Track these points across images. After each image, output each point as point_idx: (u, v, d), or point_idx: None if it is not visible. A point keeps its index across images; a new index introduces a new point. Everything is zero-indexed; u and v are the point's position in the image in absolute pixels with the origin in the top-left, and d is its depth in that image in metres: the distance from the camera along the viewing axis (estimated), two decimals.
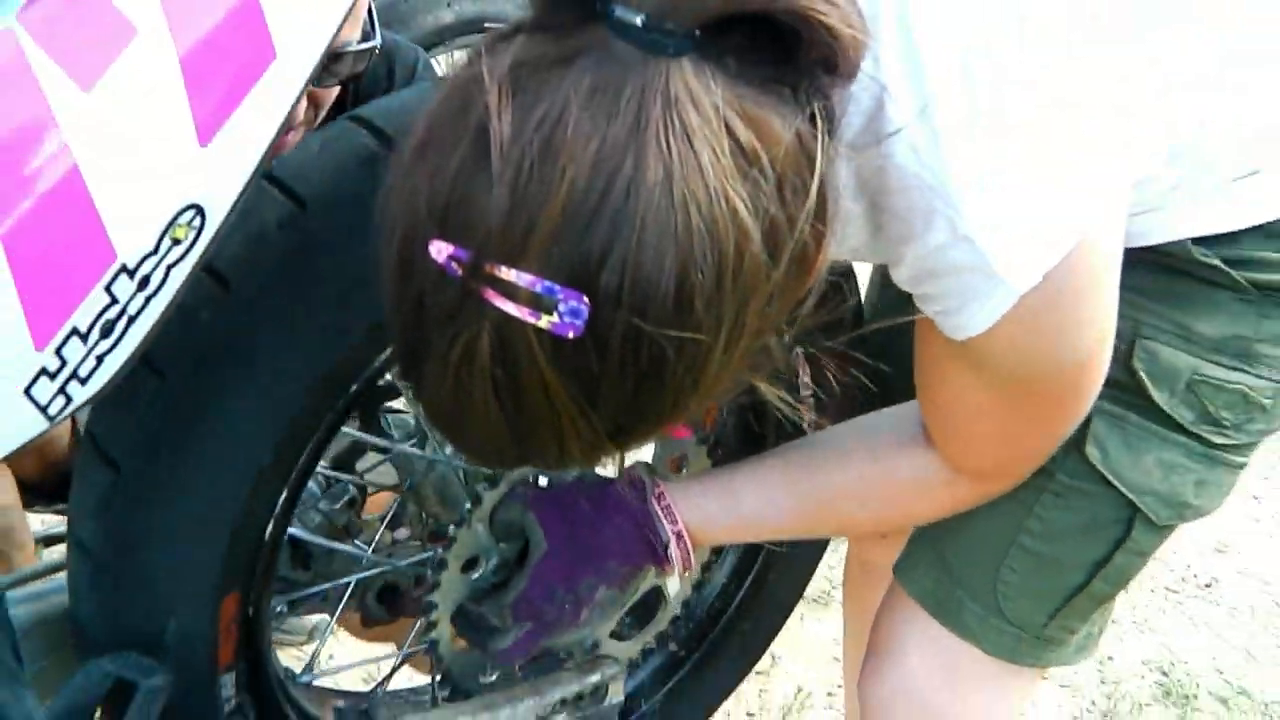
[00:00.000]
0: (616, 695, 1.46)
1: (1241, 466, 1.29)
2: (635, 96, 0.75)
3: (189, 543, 1.13)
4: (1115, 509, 1.26)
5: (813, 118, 0.81)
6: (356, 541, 1.47)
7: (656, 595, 1.54)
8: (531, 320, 0.76)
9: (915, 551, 1.39)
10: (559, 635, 1.38)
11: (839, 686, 2.40)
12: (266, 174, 1.06)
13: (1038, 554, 1.29)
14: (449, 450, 1.40)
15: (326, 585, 1.42)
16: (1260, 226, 1.18)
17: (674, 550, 1.29)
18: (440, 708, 1.41)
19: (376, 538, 1.50)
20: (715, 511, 1.31)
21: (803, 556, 1.82)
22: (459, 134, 0.77)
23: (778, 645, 2.39)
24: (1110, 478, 1.24)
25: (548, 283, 0.75)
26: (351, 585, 1.44)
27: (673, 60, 0.76)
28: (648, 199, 0.75)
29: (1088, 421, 1.21)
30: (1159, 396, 1.21)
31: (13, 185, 0.81)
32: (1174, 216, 1.16)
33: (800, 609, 2.44)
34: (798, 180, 0.80)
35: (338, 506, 1.45)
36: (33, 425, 0.88)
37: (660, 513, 1.29)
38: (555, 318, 0.76)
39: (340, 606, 1.45)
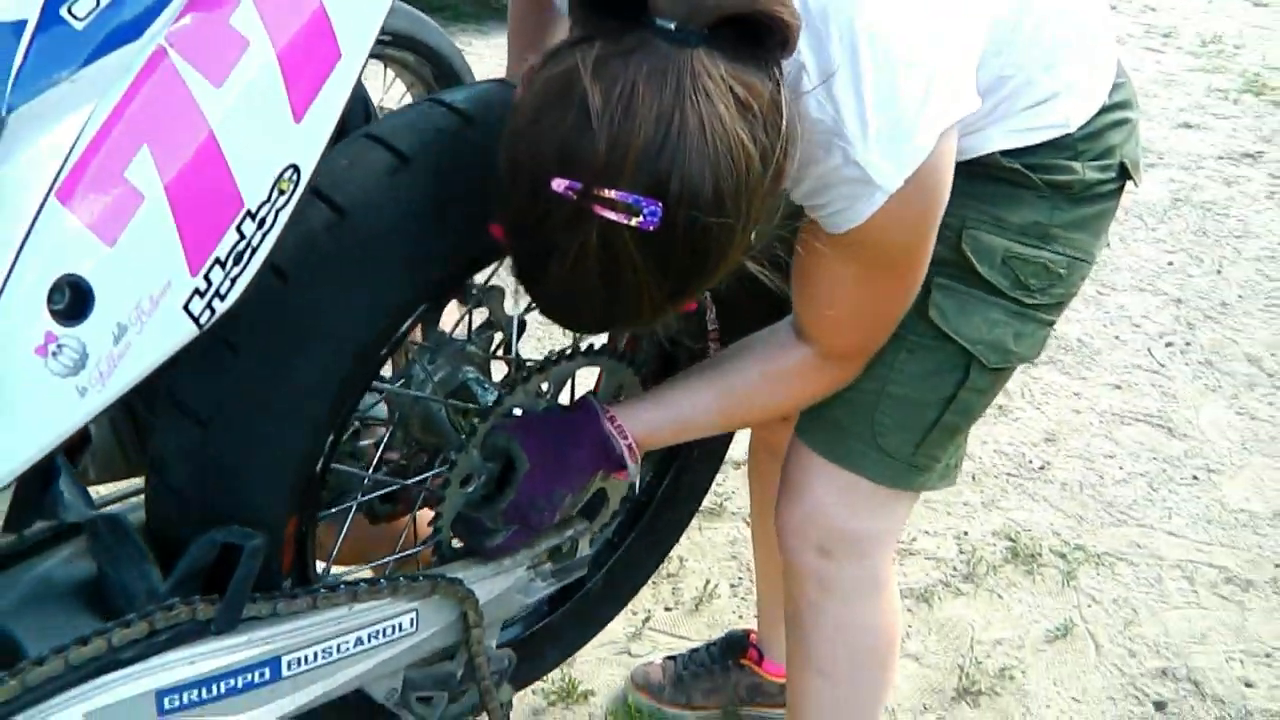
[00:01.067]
0: (584, 550, 1.80)
1: (1050, 323, 1.70)
2: (674, 74, 1.15)
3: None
4: (955, 357, 1.66)
5: (777, 81, 1.22)
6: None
7: (600, 496, 1.84)
8: (625, 221, 1.16)
9: (808, 416, 1.75)
10: (539, 536, 1.73)
11: (739, 579, 2.76)
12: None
13: (902, 398, 1.67)
14: (429, 389, 1.74)
15: (350, 503, 1.74)
16: (1051, 141, 1.59)
17: (628, 459, 1.64)
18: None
19: (375, 460, 1.79)
20: (656, 421, 1.67)
21: (707, 461, 2.16)
22: (566, 105, 1.17)
23: (683, 550, 2.76)
24: (950, 333, 1.63)
25: (635, 196, 1.15)
26: (363, 499, 1.76)
27: (694, 49, 1.17)
28: (690, 137, 1.15)
29: (929, 292, 1.60)
30: (982, 270, 1.61)
31: (172, 155, 1.15)
32: (989, 137, 1.57)
33: (698, 520, 2.80)
34: (773, 118, 1.21)
35: (346, 438, 1.76)
36: (189, 333, 1.21)
37: (613, 431, 1.64)
38: (641, 218, 1.15)
39: (350, 517, 1.76)
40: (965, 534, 2.98)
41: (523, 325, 1.78)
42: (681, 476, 2.12)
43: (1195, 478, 3.26)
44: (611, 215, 1.16)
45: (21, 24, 1.08)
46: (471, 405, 1.73)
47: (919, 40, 1.34)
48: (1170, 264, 4.45)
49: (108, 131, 1.12)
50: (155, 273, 1.16)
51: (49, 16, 1.09)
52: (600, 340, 1.80)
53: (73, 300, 1.12)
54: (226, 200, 1.18)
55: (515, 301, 1.73)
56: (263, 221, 1.21)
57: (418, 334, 1.72)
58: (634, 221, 1.15)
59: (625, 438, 1.64)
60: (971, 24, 1.43)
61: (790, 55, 1.24)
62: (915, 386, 1.67)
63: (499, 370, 1.82)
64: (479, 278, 1.64)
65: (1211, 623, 2.75)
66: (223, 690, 1.44)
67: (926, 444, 1.71)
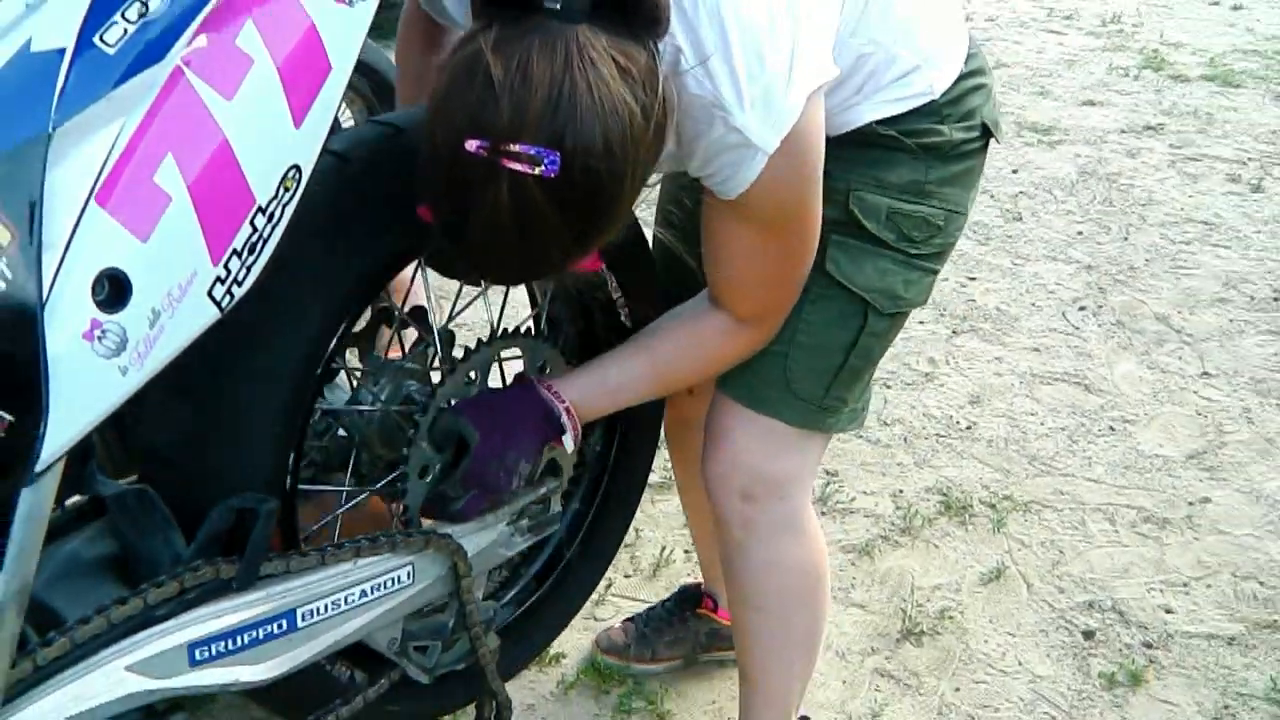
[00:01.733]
0: (556, 506, 1.97)
1: (934, 271, 1.90)
2: (563, 46, 1.34)
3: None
4: (853, 305, 1.85)
5: (652, 52, 1.42)
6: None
7: (552, 465, 1.98)
8: (530, 171, 1.34)
9: (728, 371, 1.93)
10: (499, 500, 1.88)
11: (692, 545, 2.94)
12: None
13: (810, 346, 1.86)
14: (372, 400, 1.90)
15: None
16: (919, 108, 1.79)
17: (566, 422, 1.81)
18: None
19: (349, 471, 1.93)
20: (590, 389, 1.84)
21: (647, 433, 2.33)
22: (472, 79, 1.35)
23: (638, 523, 2.92)
24: (845, 283, 1.83)
25: (536, 148, 1.33)
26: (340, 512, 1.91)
27: (578, 26, 1.36)
28: (580, 96, 1.34)
29: (825, 249, 1.78)
30: (869, 225, 1.81)
31: (193, 160, 1.32)
32: (862, 112, 1.77)
33: (650, 495, 2.99)
34: (651, 81, 1.41)
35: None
36: (212, 316, 1.38)
37: (551, 398, 1.81)
38: (543, 167, 1.33)
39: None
40: (900, 492, 3.18)
41: (451, 336, 1.96)
42: (626, 448, 2.29)
43: (1112, 428, 3.49)
44: (517, 166, 1.33)
45: (61, 52, 1.24)
46: (412, 406, 1.89)
47: (779, 16, 1.52)
48: (1080, 233, 4.68)
49: (137, 142, 1.28)
50: (183, 264, 1.33)
51: (84, 45, 1.25)
52: (522, 324, 1.99)
53: (113, 290, 1.28)
54: (241, 198, 1.35)
55: (438, 317, 1.91)
56: (272, 215, 1.38)
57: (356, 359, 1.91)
58: (537, 170, 1.33)
59: (563, 401, 1.82)
60: (823, 4, 1.61)
61: (664, 32, 1.44)
62: (820, 334, 1.86)
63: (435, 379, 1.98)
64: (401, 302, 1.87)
65: (1132, 558, 2.96)
66: (245, 641, 1.61)
67: (835, 386, 1.89)
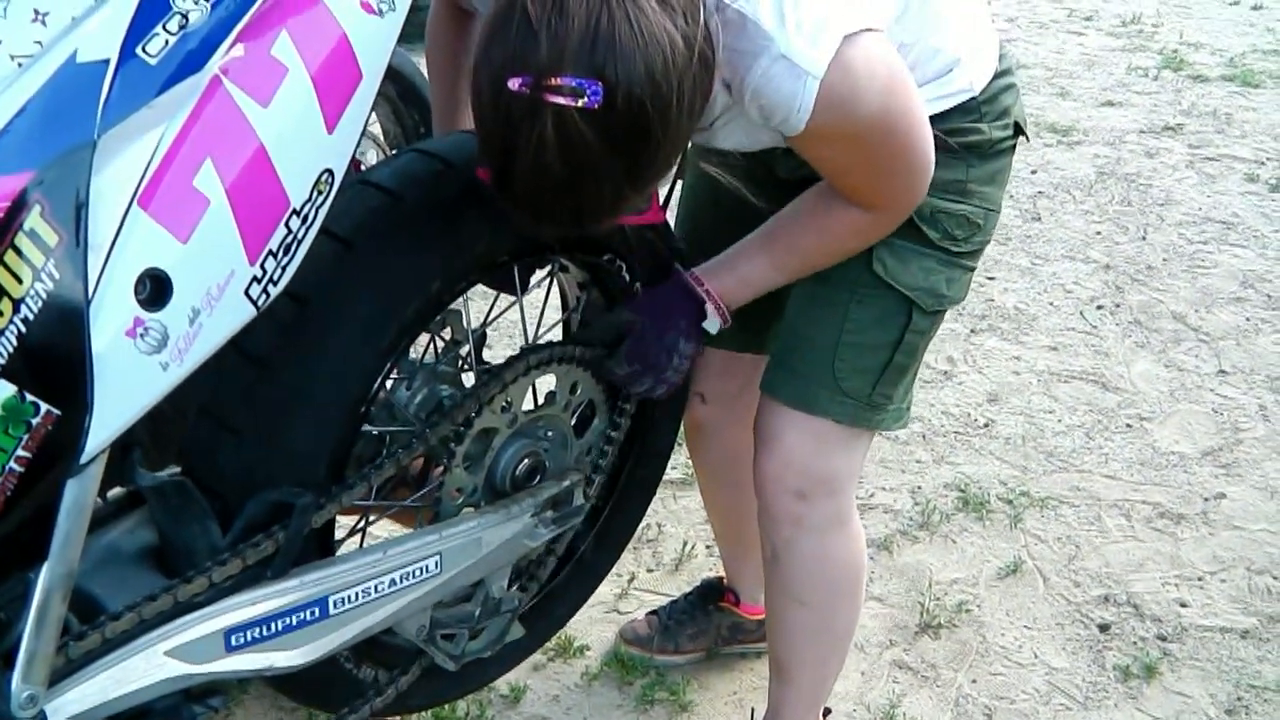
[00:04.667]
0: (579, 499, 2.03)
1: (972, 268, 1.94)
2: None
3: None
4: (898, 304, 1.89)
5: None
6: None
7: (591, 405, 2.08)
8: (572, 103, 1.35)
9: (774, 374, 1.98)
10: (661, 378, 1.92)
11: (714, 540, 3.00)
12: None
13: (856, 344, 1.90)
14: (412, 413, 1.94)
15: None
16: (960, 108, 1.83)
17: (709, 306, 1.87)
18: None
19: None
20: (729, 281, 1.88)
21: (666, 421, 2.31)
22: (510, 21, 1.37)
23: (660, 518, 2.99)
24: (891, 283, 1.87)
25: (578, 79, 1.35)
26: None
27: None
28: (618, 25, 1.34)
29: (871, 250, 1.82)
30: (919, 224, 1.84)
31: (231, 165, 1.38)
32: None
33: (672, 491, 3.05)
34: (691, 10, 1.41)
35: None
36: (249, 314, 1.44)
37: (695, 286, 1.87)
38: (585, 98, 1.35)
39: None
40: (919, 488, 3.23)
41: (483, 337, 2.01)
42: (647, 437, 2.29)
43: (1129, 426, 3.53)
44: (560, 100, 1.33)
45: (105, 63, 1.29)
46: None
47: None
48: (1098, 233, 4.71)
49: (177, 148, 1.34)
50: (221, 264, 1.39)
51: (127, 55, 1.30)
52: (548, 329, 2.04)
53: (154, 289, 1.34)
54: (276, 201, 1.41)
55: (470, 320, 1.96)
56: (306, 217, 1.44)
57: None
58: (580, 102, 1.33)
59: (703, 285, 1.88)
60: None
61: None
62: (867, 334, 1.91)
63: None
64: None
65: (1148, 553, 3.01)
66: (279, 628, 1.67)
67: (881, 384, 1.94)
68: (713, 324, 1.88)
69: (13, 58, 1.26)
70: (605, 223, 1.55)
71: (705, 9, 1.44)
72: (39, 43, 1.27)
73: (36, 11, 1.28)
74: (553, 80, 1.34)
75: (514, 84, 1.36)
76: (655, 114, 1.38)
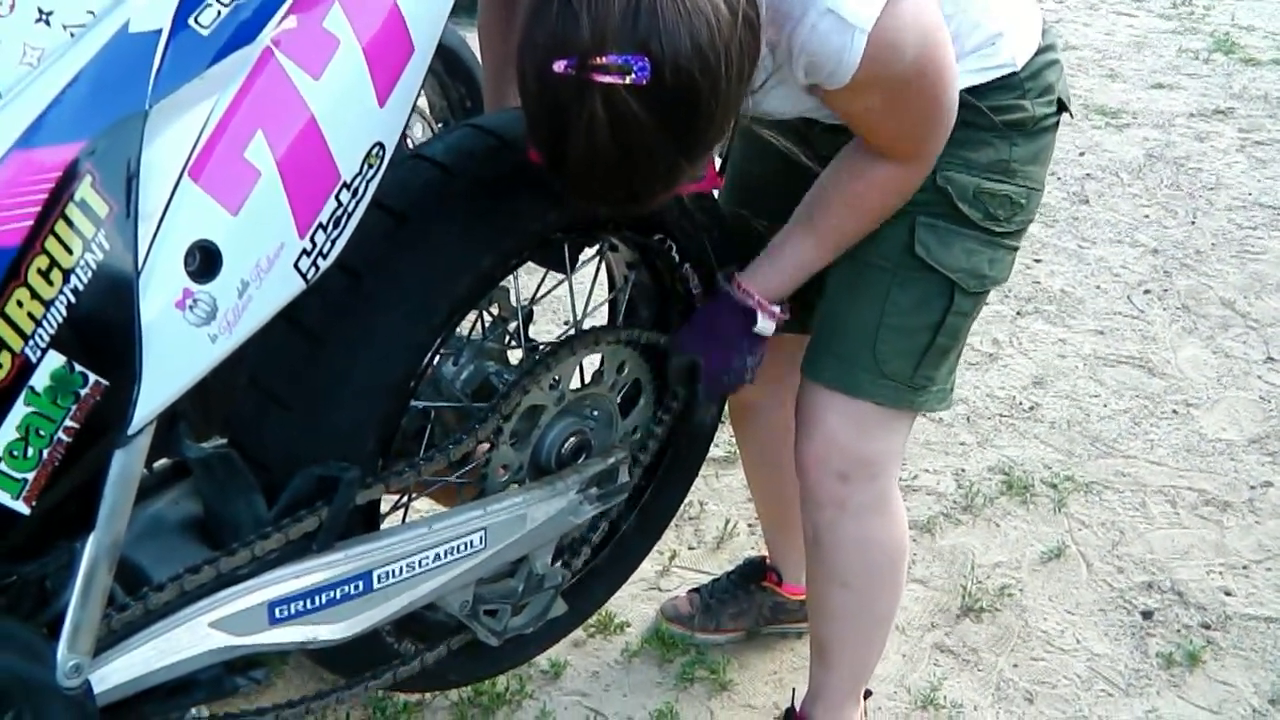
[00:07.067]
0: (624, 476, 2.02)
1: (1015, 248, 1.92)
2: None
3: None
4: (940, 285, 1.87)
5: None
6: None
7: (635, 386, 2.10)
8: (620, 80, 1.34)
9: (815, 356, 1.97)
10: (741, 384, 1.97)
11: (756, 519, 2.98)
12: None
13: (898, 326, 1.89)
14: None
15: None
16: (1003, 83, 1.80)
17: (760, 316, 1.88)
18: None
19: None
20: (772, 278, 1.89)
21: (712, 405, 2.29)
22: (549, 3, 1.35)
23: (703, 496, 2.98)
24: (933, 264, 1.85)
25: (623, 56, 1.33)
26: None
27: None
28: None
29: (913, 231, 1.82)
30: (961, 206, 1.83)
31: (282, 137, 1.37)
32: None
33: (715, 469, 3.04)
34: None
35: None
36: (298, 287, 1.44)
37: (744, 297, 1.88)
38: (633, 75, 1.33)
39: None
40: (963, 470, 3.21)
41: (530, 314, 2.00)
42: (691, 417, 2.28)
43: (1175, 412, 3.49)
44: (607, 79, 1.32)
45: (157, 33, 1.29)
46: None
47: None
48: (1147, 217, 4.67)
49: (229, 120, 1.34)
50: (271, 236, 1.39)
51: (179, 26, 1.30)
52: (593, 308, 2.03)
53: (204, 261, 1.34)
54: (327, 174, 1.41)
55: (518, 297, 1.96)
56: (356, 191, 1.44)
57: None
58: (628, 79, 1.32)
59: (753, 297, 1.88)
60: None
61: None
62: (909, 316, 1.89)
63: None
64: None
65: (1193, 540, 2.98)
66: (323, 601, 1.67)
67: (923, 366, 1.93)
68: (767, 327, 1.90)
69: (65, 27, 1.26)
70: (661, 196, 1.53)
71: None
72: (91, 12, 1.27)
73: None
74: (598, 59, 1.33)
75: (559, 66, 1.35)
76: (704, 84, 1.37)
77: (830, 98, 1.66)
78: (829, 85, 1.59)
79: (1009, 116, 1.82)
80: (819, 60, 1.55)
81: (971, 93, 1.78)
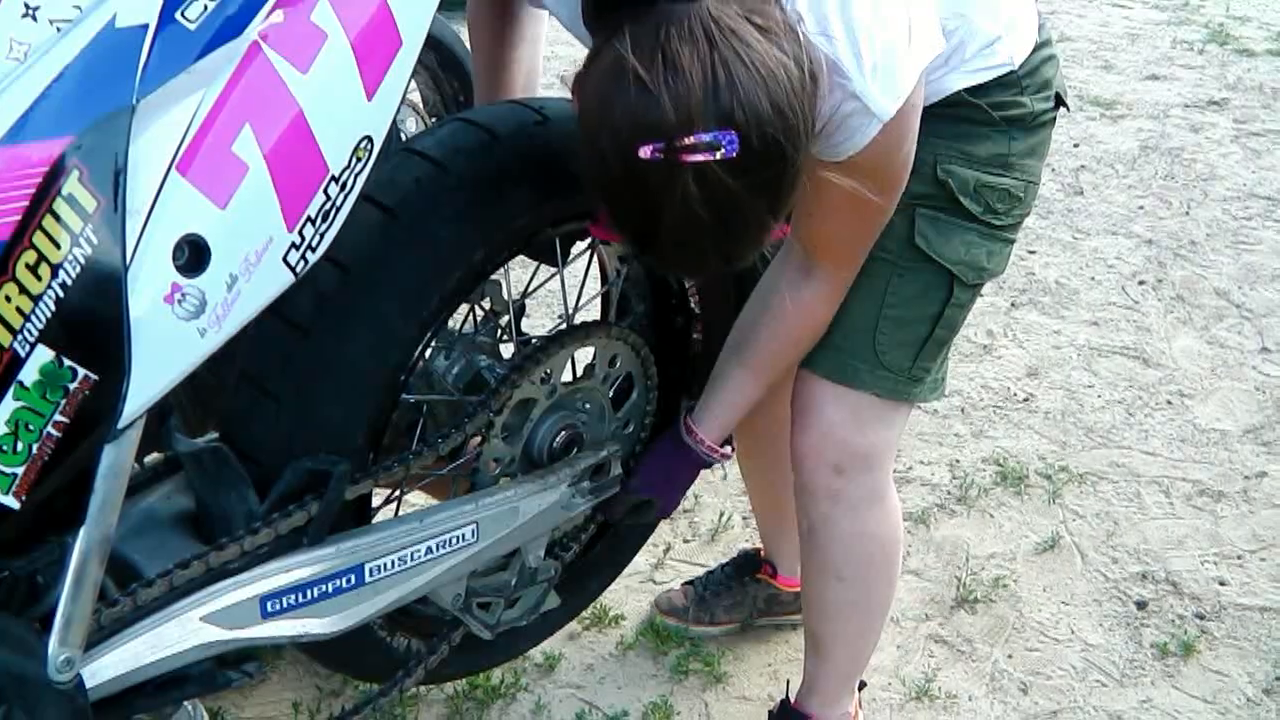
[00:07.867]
0: (615, 470, 2.03)
1: (1012, 241, 1.92)
2: (699, 25, 1.36)
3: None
4: (939, 277, 1.88)
5: (780, 4, 1.43)
6: None
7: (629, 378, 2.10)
8: (710, 157, 1.35)
9: (813, 349, 1.95)
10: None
11: (750, 511, 2.99)
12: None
13: (897, 318, 1.89)
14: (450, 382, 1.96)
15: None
16: (1001, 80, 1.81)
17: (714, 458, 2.00)
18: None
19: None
20: (717, 422, 1.97)
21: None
22: (623, 86, 1.37)
23: (697, 489, 2.98)
24: (933, 256, 1.86)
25: (711, 133, 1.35)
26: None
27: (698, 4, 1.37)
28: (734, 67, 1.35)
29: (913, 223, 1.82)
30: (962, 200, 1.84)
31: (270, 131, 1.37)
32: (952, 81, 1.78)
33: None
34: (790, 32, 1.41)
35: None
36: (287, 280, 1.44)
37: (699, 448, 1.98)
38: (722, 150, 1.35)
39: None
40: (957, 462, 3.21)
41: (522, 308, 2.00)
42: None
43: (1169, 402, 3.49)
44: (698, 158, 1.35)
45: (144, 28, 1.29)
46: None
47: None
48: (1141, 208, 4.67)
49: (216, 114, 1.34)
50: (259, 230, 1.38)
51: (166, 20, 1.30)
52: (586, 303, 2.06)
53: (192, 255, 1.34)
54: (315, 168, 1.40)
55: (510, 290, 1.96)
56: (344, 184, 1.44)
57: None
58: (718, 154, 1.34)
59: (703, 443, 1.96)
60: None
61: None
62: (908, 307, 1.90)
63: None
64: None
65: (1187, 530, 2.98)
66: (315, 595, 1.67)
67: (921, 357, 1.93)
68: (714, 464, 2.02)
69: (51, 22, 1.26)
70: (752, 255, 1.54)
71: (795, 21, 1.45)
72: (78, 7, 1.27)
73: None
74: (686, 140, 1.34)
75: (645, 152, 1.36)
76: (788, 143, 1.39)
77: (821, 167, 1.67)
78: (829, 156, 1.61)
79: (1008, 112, 1.83)
80: (830, 129, 1.57)
81: (971, 91, 1.80)
